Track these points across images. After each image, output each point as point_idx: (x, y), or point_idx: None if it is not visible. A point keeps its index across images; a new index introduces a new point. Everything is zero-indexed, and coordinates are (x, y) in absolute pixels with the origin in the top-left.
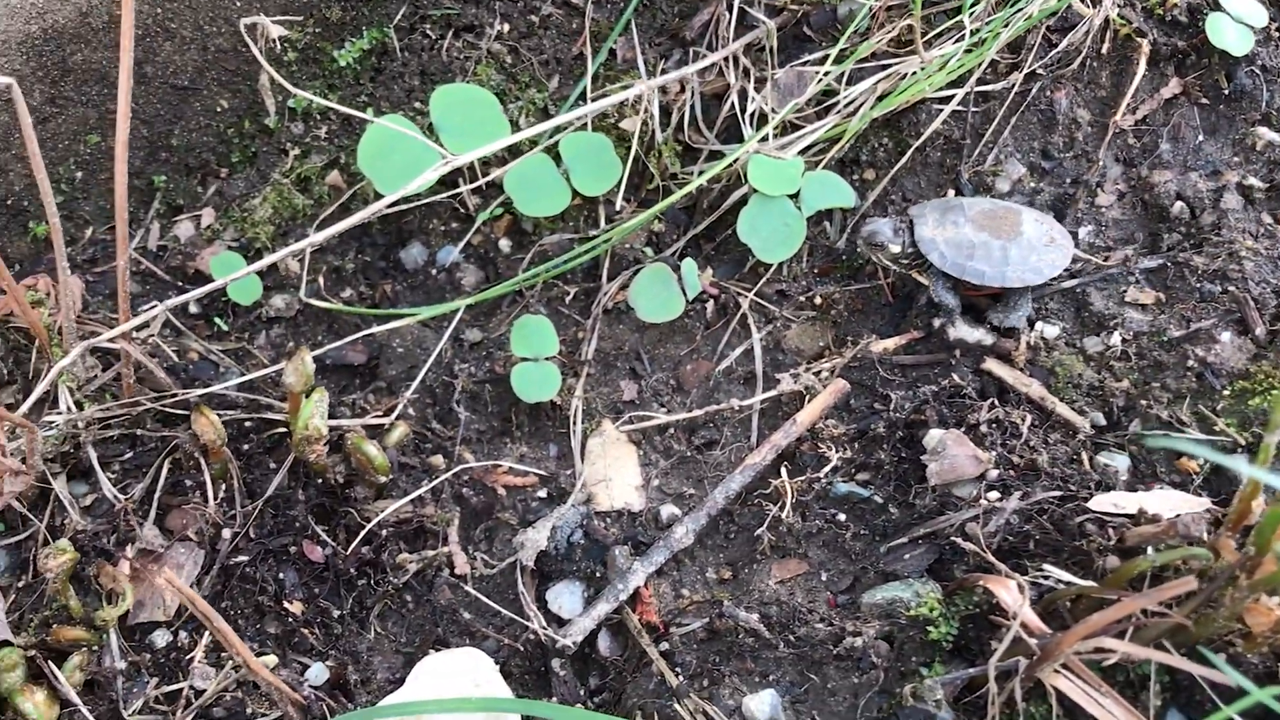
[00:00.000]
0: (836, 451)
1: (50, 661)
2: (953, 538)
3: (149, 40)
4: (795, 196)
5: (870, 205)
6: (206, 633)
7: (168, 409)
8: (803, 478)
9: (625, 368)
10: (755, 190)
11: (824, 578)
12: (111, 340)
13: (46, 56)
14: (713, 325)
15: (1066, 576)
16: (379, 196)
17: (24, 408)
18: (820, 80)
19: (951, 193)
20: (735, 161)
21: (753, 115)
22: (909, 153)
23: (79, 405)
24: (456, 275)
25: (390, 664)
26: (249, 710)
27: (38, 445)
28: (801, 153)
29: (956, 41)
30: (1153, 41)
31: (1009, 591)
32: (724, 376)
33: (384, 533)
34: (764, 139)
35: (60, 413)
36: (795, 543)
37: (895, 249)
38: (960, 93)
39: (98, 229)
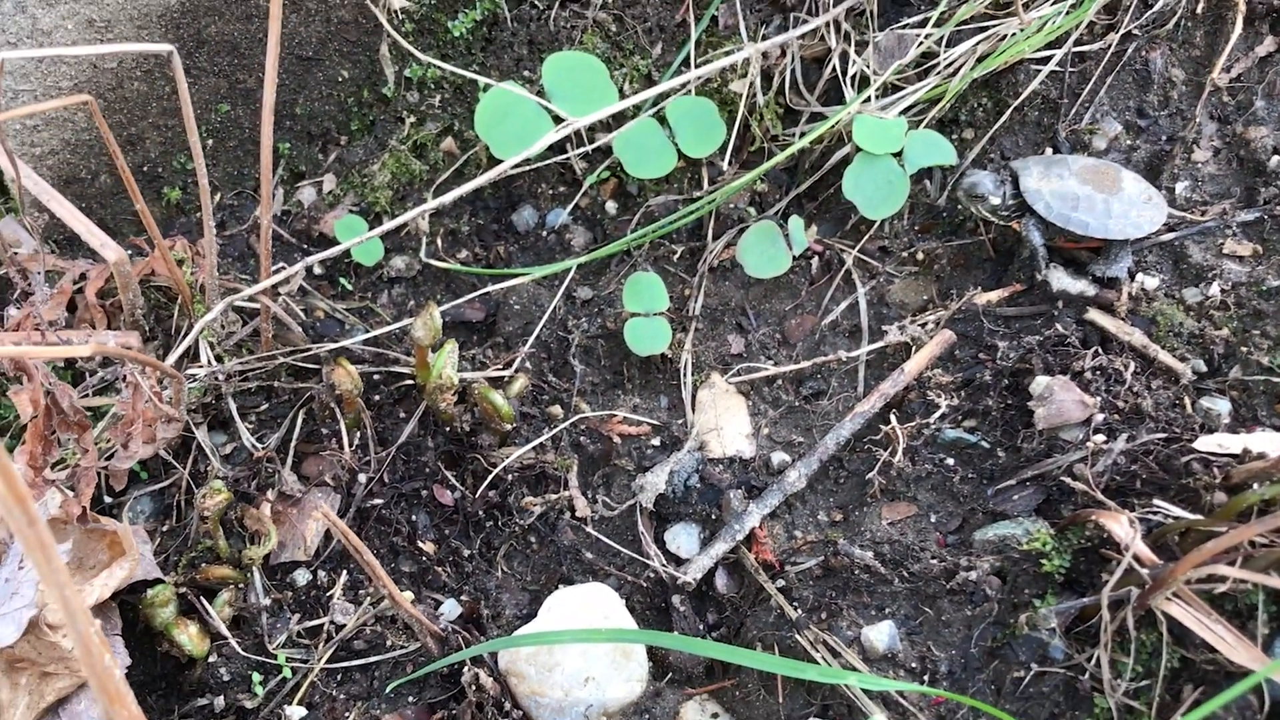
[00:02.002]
0: (944, 399)
1: (200, 599)
2: (1061, 478)
3: None
4: (898, 155)
5: (969, 164)
6: (345, 571)
7: (299, 363)
8: (912, 424)
9: (732, 323)
10: (860, 149)
11: (933, 519)
12: (251, 297)
13: (184, 29)
14: (817, 281)
15: (1176, 511)
16: (492, 162)
17: (169, 360)
18: (921, 43)
19: (1049, 150)
20: (838, 122)
21: (854, 78)
22: (1008, 112)
23: (219, 359)
24: (566, 236)
25: (518, 600)
26: (389, 643)
27: (184, 395)
28: (902, 113)
29: (1055, 3)
30: (1248, 0)
31: (1121, 525)
32: (829, 330)
33: (509, 478)
34: (866, 100)
35: (201, 366)
36: (904, 486)
37: (995, 200)
38: (1058, 53)
39: (225, 195)
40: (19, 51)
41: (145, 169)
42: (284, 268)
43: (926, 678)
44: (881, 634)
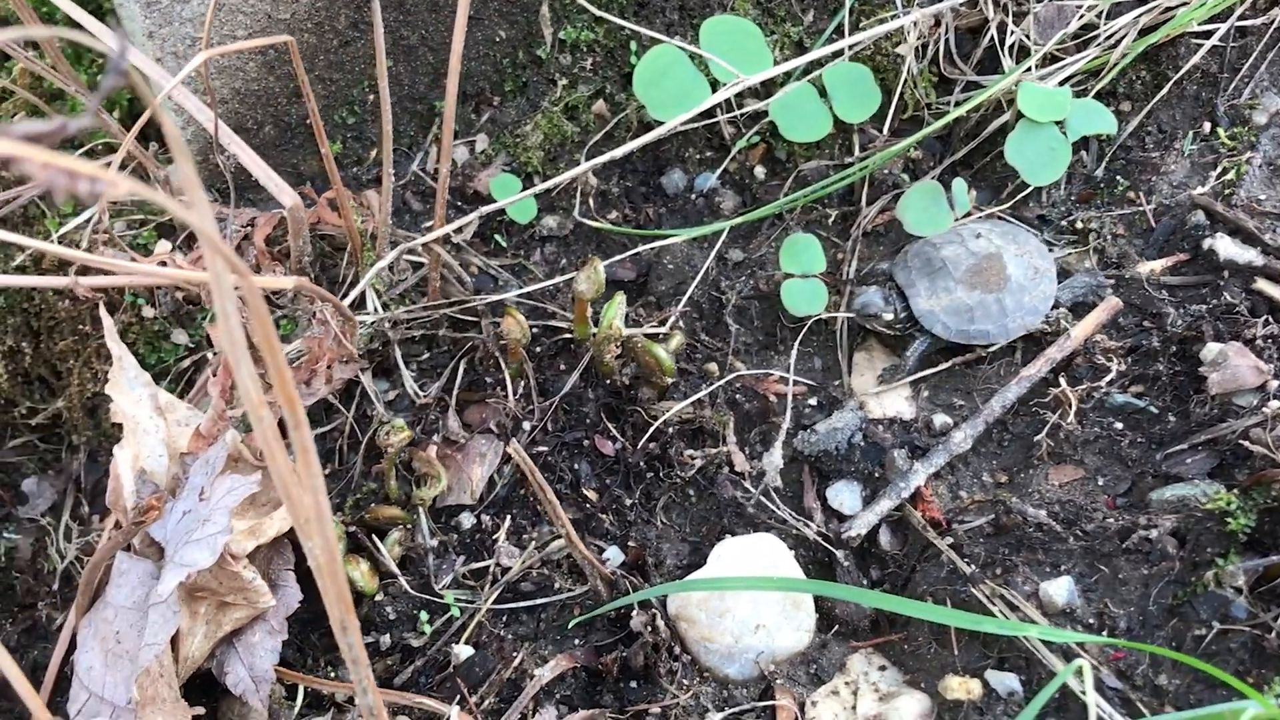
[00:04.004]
0: (1114, 363)
1: (370, 537)
2: (1238, 442)
3: None
4: (1060, 124)
5: (1128, 136)
6: (508, 516)
7: (458, 315)
8: (1080, 387)
9: None
10: (1022, 116)
11: (1100, 482)
12: (423, 246)
13: None
14: None
15: None
16: (642, 126)
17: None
18: (1081, 15)
19: (1205, 125)
20: (1001, 90)
21: (1011, 47)
22: (1167, 86)
23: (385, 307)
24: (715, 200)
25: (678, 551)
26: (556, 585)
27: (357, 338)
28: (1060, 84)
29: None
30: None
31: None
32: None
33: (669, 431)
34: (1026, 70)
35: (368, 313)
36: (1071, 449)
37: (889, 316)
38: (1221, 28)
39: (381, 150)
40: None
41: (308, 122)
42: (434, 224)
43: (1105, 633)
44: (1061, 589)
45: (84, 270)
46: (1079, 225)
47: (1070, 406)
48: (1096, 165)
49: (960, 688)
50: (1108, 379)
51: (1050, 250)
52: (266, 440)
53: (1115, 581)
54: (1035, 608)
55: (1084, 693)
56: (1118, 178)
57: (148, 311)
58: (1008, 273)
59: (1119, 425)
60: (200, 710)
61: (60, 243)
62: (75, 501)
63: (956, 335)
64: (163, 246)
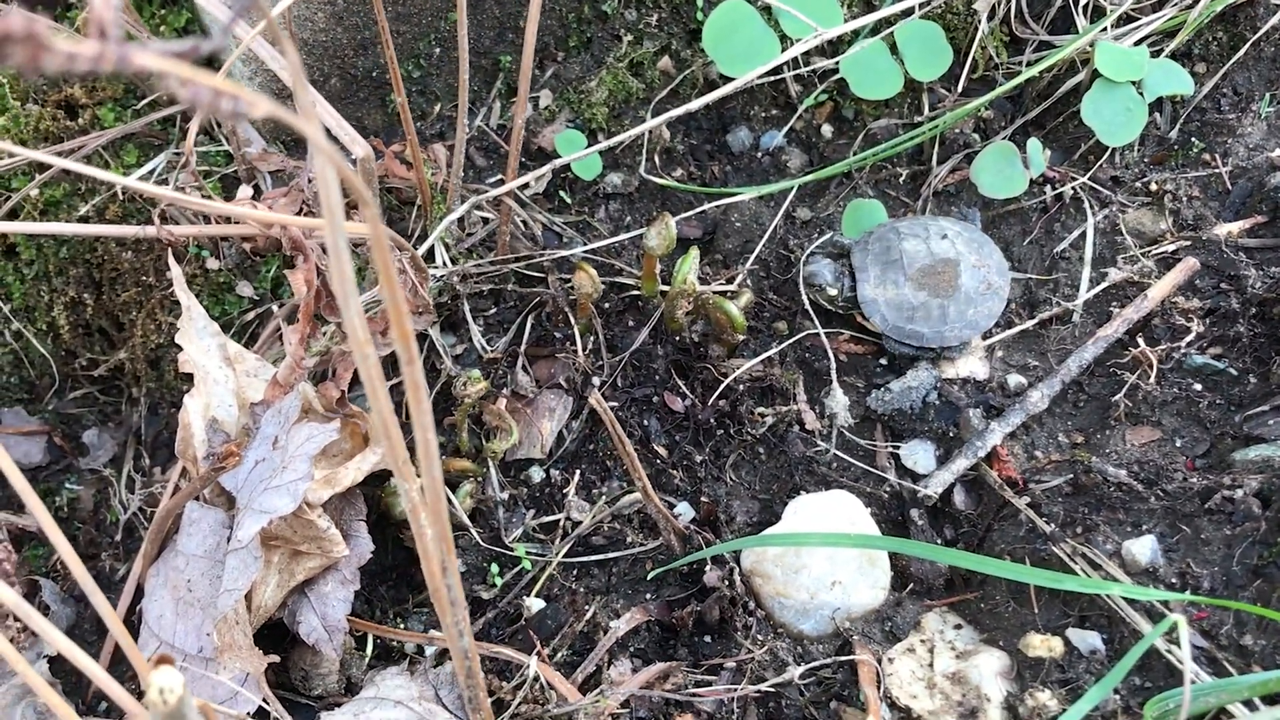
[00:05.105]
0: (1194, 323)
1: None
2: None
3: None
4: (1136, 84)
5: (1203, 98)
6: (577, 471)
7: (524, 271)
8: (1159, 348)
9: None
10: (1099, 76)
11: (1179, 443)
12: (492, 200)
13: None
14: (1049, 208)
15: None
16: (707, 83)
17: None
18: None
19: (1268, 98)
20: (1074, 50)
21: (1085, 7)
22: (1244, 47)
23: (453, 261)
24: (781, 158)
25: (748, 508)
26: (628, 539)
27: (429, 290)
28: (1134, 45)
29: None
30: None
31: None
32: (1060, 257)
33: (739, 388)
34: (1103, 30)
35: (437, 267)
36: (1149, 410)
37: (833, 291)
38: None
39: (445, 105)
40: None
41: (374, 75)
42: (497, 178)
43: (1188, 593)
44: (1144, 548)
45: (153, 220)
46: (1153, 187)
47: (1151, 367)
48: (1171, 127)
49: (1042, 645)
50: (1187, 340)
51: (1009, 269)
52: (370, 379)
53: (1198, 541)
54: (1117, 566)
55: (1170, 651)
56: (1193, 140)
57: (212, 264)
58: (960, 281)
59: (1198, 386)
60: (275, 658)
61: (127, 192)
62: (136, 453)
63: (891, 330)
64: (244, 192)
